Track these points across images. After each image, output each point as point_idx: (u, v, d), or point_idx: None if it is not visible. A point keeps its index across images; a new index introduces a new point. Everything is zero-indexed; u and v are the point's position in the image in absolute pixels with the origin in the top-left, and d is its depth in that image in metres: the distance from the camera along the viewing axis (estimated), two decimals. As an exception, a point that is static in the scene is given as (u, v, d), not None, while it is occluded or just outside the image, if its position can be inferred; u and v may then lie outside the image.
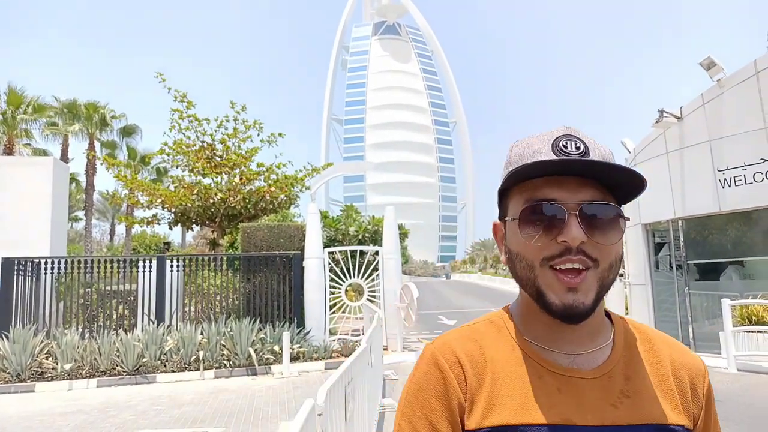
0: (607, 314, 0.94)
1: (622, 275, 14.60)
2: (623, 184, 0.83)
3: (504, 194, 0.92)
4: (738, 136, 10.76)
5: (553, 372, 0.86)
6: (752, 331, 10.03)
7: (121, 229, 44.35)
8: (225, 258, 13.07)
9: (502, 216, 0.92)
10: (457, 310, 27.19)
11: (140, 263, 12.54)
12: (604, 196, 0.84)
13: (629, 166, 0.81)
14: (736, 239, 11.73)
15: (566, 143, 0.84)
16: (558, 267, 0.81)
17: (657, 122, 11.55)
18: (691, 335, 11.72)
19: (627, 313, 14.72)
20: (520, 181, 0.87)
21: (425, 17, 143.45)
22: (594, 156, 0.84)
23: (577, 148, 0.83)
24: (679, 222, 11.99)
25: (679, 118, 11.47)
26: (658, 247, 13.01)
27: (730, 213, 11.26)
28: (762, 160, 10.36)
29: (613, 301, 14.72)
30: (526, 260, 0.84)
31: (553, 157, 0.83)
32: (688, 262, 12.04)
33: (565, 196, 0.82)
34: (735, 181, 10.79)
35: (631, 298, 14.23)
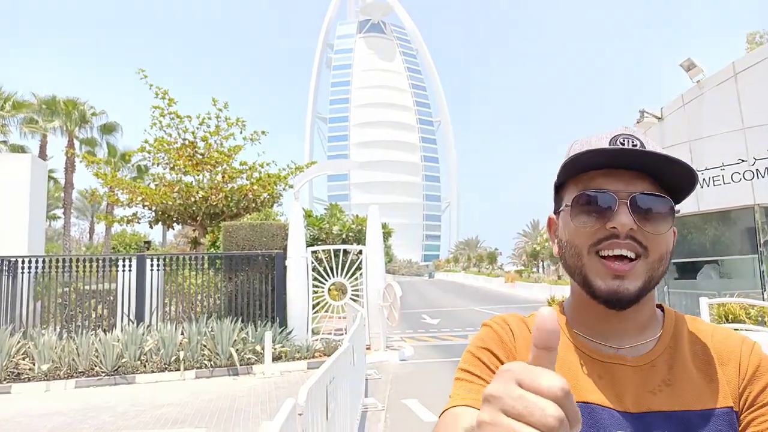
0: (662, 309, 0.97)
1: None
2: (677, 178, 0.85)
3: (560, 188, 0.94)
4: (717, 137, 10.93)
5: (595, 359, 0.89)
6: (730, 329, 10.20)
7: (100, 227, 43.74)
8: (206, 257, 12.95)
9: (556, 209, 0.95)
10: (440, 309, 27.28)
11: (120, 262, 12.37)
12: (656, 190, 0.86)
13: (683, 160, 0.82)
14: (714, 238, 11.91)
15: (624, 140, 0.86)
16: (605, 253, 0.83)
17: (638, 122, 11.70)
18: (670, 333, 11.88)
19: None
20: (576, 174, 0.89)
21: (410, 16, 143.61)
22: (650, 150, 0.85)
23: (634, 145, 0.85)
24: (658, 222, 12.14)
25: (659, 118, 11.62)
26: (639, 245, 13.15)
27: (709, 212, 11.42)
28: (740, 161, 10.53)
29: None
30: (575, 248, 0.87)
31: None
32: (668, 260, 12.21)
33: (618, 186, 0.84)
34: (713, 181, 10.95)
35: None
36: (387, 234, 18.98)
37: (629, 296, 0.83)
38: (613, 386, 0.86)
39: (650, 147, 0.85)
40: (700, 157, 11.12)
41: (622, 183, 0.85)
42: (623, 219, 0.82)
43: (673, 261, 12.21)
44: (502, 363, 0.90)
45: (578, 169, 0.88)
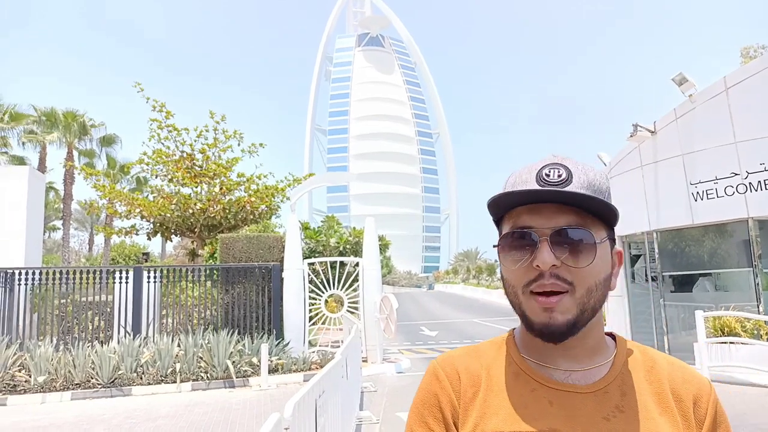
0: (613, 337, 0.99)
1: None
2: (598, 210, 0.87)
3: (498, 223, 0.96)
4: (709, 151, 11.01)
5: (546, 386, 0.90)
6: (725, 342, 10.21)
7: (100, 239, 43.70)
8: (203, 269, 12.98)
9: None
10: (438, 321, 27.22)
11: (117, 274, 12.40)
12: (582, 222, 0.87)
13: (599, 197, 0.86)
14: (710, 251, 11.95)
15: (549, 171, 0.87)
16: (536, 290, 0.86)
17: (631, 136, 11.77)
18: (666, 346, 11.89)
19: (605, 323, 14.88)
20: (507, 211, 0.92)
21: (408, 29, 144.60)
22: (577, 182, 0.87)
23: (559, 176, 0.87)
24: (654, 234, 12.18)
25: (652, 132, 11.70)
26: (634, 258, 13.20)
27: (703, 225, 11.48)
28: (732, 174, 10.60)
29: (590, 312, 14.86)
30: (512, 286, 0.90)
31: (537, 186, 0.87)
32: (664, 273, 12.23)
33: (541, 222, 0.86)
34: (707, 194, 11.01)
35: (608, 309, 14.39)
36: (384, 246, 19.03)
37: (560, 328, 0.85)
38: (565, 412, 0.87)
39: (577, 176, 0.87)
40: (693, 171, 11.21)
41: (544, 218, 0.86)
42: (545, 257, 0.84)
43: (670, 274, 12.30)
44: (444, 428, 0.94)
45: (507, 207, 0.91)
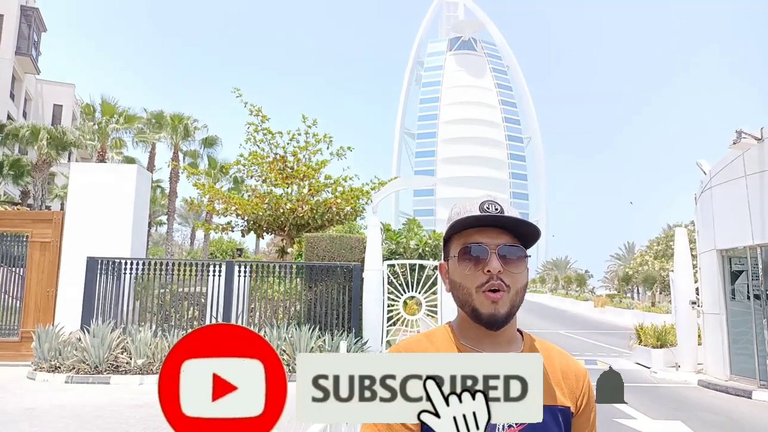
0: (520, 332, 1.32)
1: (694, 302, 13.84)
2: (527, 233, 1.22)
3: (447, 242, 1.28)
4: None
5: None
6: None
7: (201, 234, 46.44)
8: (287, 266, 13.52)
9: (446, 257, 1.29)
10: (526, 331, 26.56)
11: (210, 267, 13.20)
12: (513, 241, 1.22)
13: (527, 219, 1.20)
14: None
15: (488, 206, 1.21)
16: (486, 290, 1.18)
17: (734, 143, 10.98)
18: (768, 370, 10.95)
19: (699, 344, 13.96)
20: (458, 232, 1.24)
21: (502, 32, 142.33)
22: (508, 214, 1.20)
23: (496, 209, 1.21)
24: (758, 249, 11.29)
25: (759, 139, 10.85)
26: (735, 274, 12.28)
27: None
28: None
29: (683, 328, 14.00)
30: (466, 288, 1.21)
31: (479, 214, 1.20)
32: (768, 291, 11.31)
33: (488, 240, 1.20)
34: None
35: (704, 326, 13.48)
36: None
37: (502, 318, 1.18)
38: None
39: (507, 210, 1.21)
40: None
41: (490, 238, 1.20)
42: (494, 264, 1.17)
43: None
44: None
45: (459, 228, 1.23)
